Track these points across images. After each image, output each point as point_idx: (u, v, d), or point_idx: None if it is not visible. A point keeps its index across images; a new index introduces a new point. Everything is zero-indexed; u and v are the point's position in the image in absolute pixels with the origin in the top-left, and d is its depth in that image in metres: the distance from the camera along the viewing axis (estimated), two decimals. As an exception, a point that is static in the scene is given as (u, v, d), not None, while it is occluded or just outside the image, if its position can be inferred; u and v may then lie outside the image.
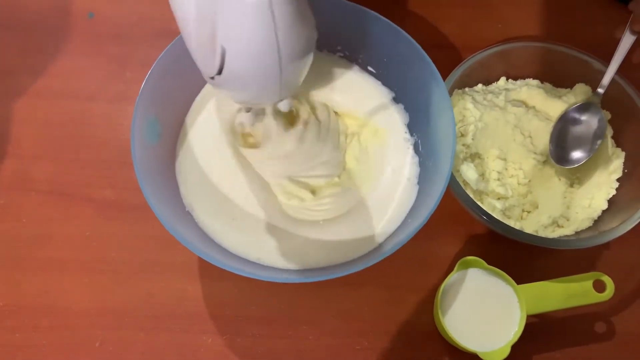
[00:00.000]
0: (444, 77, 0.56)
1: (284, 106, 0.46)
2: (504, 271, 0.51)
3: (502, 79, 0.61)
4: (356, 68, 0.58)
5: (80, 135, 0.61)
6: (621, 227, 0.50)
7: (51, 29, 0.66)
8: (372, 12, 0.52)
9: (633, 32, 0.54)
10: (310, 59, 0.41)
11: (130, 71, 0.64)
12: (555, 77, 0.60)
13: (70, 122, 0.61)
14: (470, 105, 0.58)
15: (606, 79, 0.55)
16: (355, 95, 0.57)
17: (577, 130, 0.56)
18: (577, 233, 0.53)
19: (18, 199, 0.57)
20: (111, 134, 0.61)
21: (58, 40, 0.65)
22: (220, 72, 0.38)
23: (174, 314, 0.53)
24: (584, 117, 0.56)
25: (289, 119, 0.53)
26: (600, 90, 0.56)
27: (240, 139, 0.54)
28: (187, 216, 0.51)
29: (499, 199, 0.54)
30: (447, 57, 0.64)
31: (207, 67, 0.39)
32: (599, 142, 0.55)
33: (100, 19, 0.67)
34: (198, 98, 0.56)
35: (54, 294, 0.54)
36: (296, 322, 0.53)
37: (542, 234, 0.53)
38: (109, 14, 0.67)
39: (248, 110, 0.50)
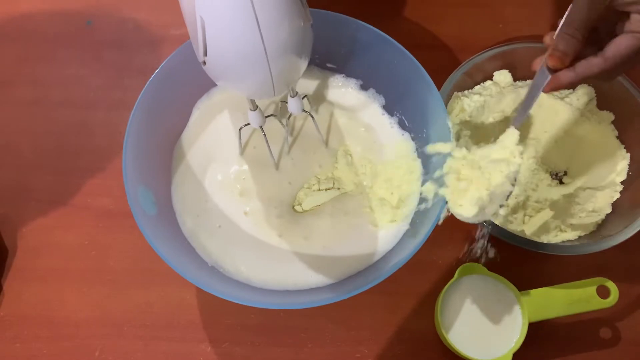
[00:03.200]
0: (443, 79, 0.55)
1: (294, 108, 0.43)
2: (505, 277, 0.50)
3: (504, 73, 0.59)
4: (350, 80, 0.57)
5: (79, 143, 0.61)
6: (625, 231, 0.49)
7: (49, 37, 0.66)
8: (359, 21, 0.51)
9: (548, 68, 0.42)
10: (305, 48, 0.39)
11: (128, 78, 0.64)
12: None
13: (69, 131, 0.61)
14: (467, 109, 0.57)
15: (519, 120, 0.45)
16: (348, 107, 0.57)
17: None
18: (580, 237, 0.52)
19: (17, 208, 0.57)
20: (110, 141, 0.61)
21: (56, 48, 0.66)
22: (205, 51, 0.36)
23: (172, 322, 0.53)
24: None
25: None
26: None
27: None
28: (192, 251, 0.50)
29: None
30: (446, 58, 0.63)
31: (196, 47, 0.37)
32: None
33: (98, 27, 0.67)
34: (191, 121, 0.55)
35: (54, 303, 0.54)
36: (295, 330, 0.53)
37: (545, 239, 0.52)
38: (106, 22, 0.67)
39: (254, 108, 0.48)
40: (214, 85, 0.56)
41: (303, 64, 0.41)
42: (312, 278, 0.49)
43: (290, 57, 0.38)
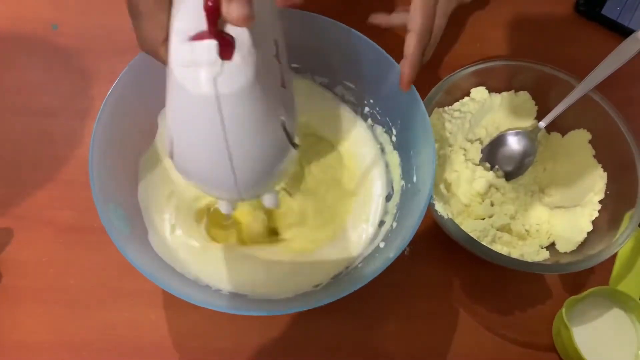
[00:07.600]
0: (423, 94, 0.54)
1: (267, 202, 0.40)
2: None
3: (480, 90, 0.59)
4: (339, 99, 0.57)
5: (38, 153, 0.57)
6: (605, 251, 0.49)
7: (10, 40, 0.62)
8: (339, 23, 0.50)
9: None
10: (279, 166, 0.36)
11: (95, 87, 0.61)
12: (533, 94, 0.59)
13: (28, 140, 0.57)
14: (448, 125, 0.56)
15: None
16: (333, 123, 0.56)
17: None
18: (562, 255, 0.52)
19: (-33, 221, 0.53)
20: (72, 152, 0.57)
21: (17, 52, 0.62)
22: (171, 156, 0.35)
23: (137, 346, 0.49)
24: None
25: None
26: (542, 124, 0.55)
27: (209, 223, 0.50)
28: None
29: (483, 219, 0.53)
30: (425, 73, 0.63)
31: (166, 146, 0.36)
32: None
33: (65, 31, 0.63)
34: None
35: (5, 325, 0.49)
36: (270, 355, 0.50)
37: (528, 257, 0.51)
38: (73, 27, 0.64)
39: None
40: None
41: (277, 182, 0.39)
42: (289, 285, 0.48)
43: (262, 181, 0.36)
